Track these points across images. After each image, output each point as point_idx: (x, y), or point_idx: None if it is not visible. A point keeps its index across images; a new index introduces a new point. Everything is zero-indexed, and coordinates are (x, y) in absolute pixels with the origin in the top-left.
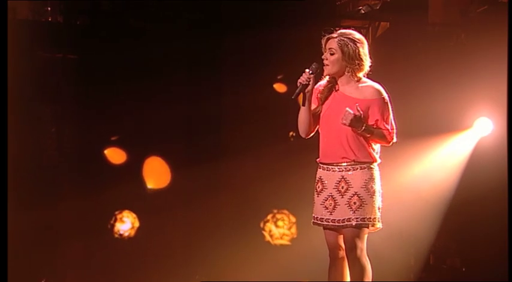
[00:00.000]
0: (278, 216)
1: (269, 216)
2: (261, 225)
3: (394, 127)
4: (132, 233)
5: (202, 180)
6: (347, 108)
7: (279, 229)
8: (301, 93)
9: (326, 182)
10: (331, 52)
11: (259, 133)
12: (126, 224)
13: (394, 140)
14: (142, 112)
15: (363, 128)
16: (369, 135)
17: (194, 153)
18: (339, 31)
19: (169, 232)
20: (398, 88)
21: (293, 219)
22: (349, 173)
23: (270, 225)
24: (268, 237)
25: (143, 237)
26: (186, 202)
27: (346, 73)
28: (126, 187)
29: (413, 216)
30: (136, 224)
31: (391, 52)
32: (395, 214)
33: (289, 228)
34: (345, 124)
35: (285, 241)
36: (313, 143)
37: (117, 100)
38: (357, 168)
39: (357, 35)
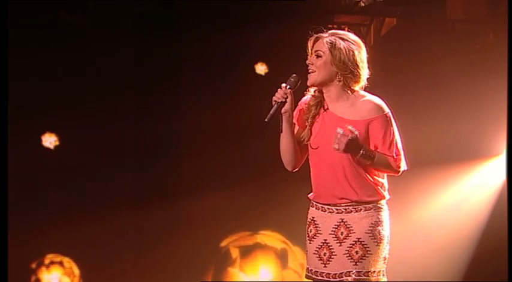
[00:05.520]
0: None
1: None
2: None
3: (401, 152)
4: None
5: (156, 220)
6: (338, 129)
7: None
8: (277, 115)
9: (320, 225)
10: (318, 54)
11: (229, 162)
12: (57, 275)
13: (404, 167)
14: (78, 134)
15: (361, 152)
16: (369, 163)
17: (145, 186)
18: (330, 31)
19: None
20: (408, 103)
21: None
22: (351, 215)
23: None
24: None
25: None
26: (137, 246)
27: (337, 82)
28: (63, 227)
29: (428, 267)
30: (76, 273)
31: (398, 56)
32: (404, 265)
33: None
34: (338, 150)
35: None
36: (301, 173)
37: (46, 118)
38: (361, 209)
39: (352, 36)
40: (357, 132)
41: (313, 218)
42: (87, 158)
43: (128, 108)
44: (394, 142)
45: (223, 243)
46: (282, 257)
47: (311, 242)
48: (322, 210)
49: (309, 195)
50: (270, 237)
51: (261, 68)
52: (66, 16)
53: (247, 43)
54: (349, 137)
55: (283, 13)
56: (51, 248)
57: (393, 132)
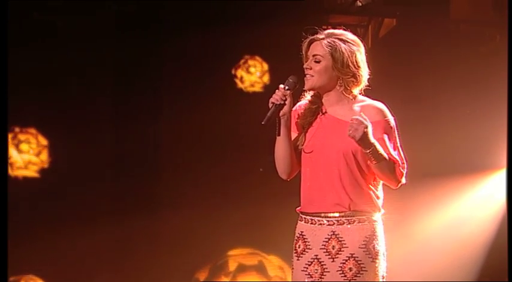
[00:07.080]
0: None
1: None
2: None
3: (404, 160)
4: None
5: (133, 234)
6: (354, 116)
7: None
8: (275, 118)
9: (310, 239)
10: (317, 59)
11: (214, 170)
12: None
13: (403, 180)
14: (51, 140)
15: (372, 148)
16: (375, 162)
17: (122, 197)
18: (326, 31)
19: None
20: (409, 110)
21: None
22: (343, 227)
23: None
24: None
25: None
26: (111, 263)
27: (337, 87)
28: (33, 244)
29: None
30: None
31: (397, 59)
32: None
33: None
34: (354, 137)
35: None
36: (290, 184)
37: (17, 121)
38: (354, 221)
39: (351, 36)
40: (370, 123)
41: (301, 232)
42: (60, 166)
43: (104, 111)
44: (398, 149)
45: (201, 275)
46: (261, 270)
47: (299, 258)
48: (311, 223)
49: (297, 209)
50: (244, 256)
51: (242, 73)
52: (43, 15)
53: (233, 43)
54: (366, 124)
55: (273, 13)
56: (20, 267)
57: (396, 139)
